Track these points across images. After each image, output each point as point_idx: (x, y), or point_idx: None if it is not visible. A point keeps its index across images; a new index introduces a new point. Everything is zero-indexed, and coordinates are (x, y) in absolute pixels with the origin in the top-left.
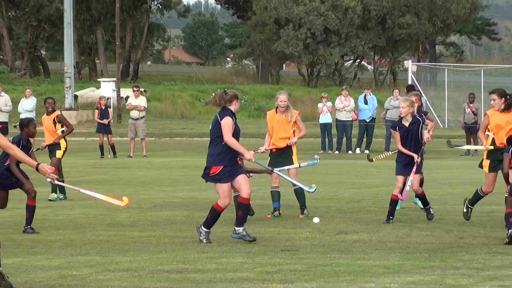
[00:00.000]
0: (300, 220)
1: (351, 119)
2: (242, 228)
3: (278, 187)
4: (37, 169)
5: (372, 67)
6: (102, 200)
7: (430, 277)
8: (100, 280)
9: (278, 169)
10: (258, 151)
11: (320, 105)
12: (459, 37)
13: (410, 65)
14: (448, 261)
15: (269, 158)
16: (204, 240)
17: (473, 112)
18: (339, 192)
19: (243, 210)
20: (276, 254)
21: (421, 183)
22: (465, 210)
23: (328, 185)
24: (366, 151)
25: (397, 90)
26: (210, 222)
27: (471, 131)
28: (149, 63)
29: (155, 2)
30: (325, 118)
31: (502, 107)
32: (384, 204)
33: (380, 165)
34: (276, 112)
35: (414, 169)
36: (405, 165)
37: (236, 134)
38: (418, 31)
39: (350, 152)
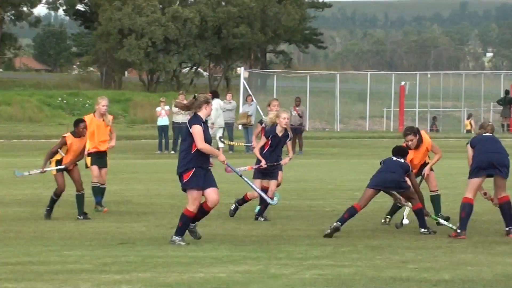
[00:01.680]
0: (137, 215)
1: (187, 121)
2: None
3: (98, 182)
4: None
5: (208, 74)
6: None
7: (256, 267)
8: None
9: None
10: None
11: (158, 108)
12: (288, 45)
13: (242, 71)
14: (273, 252)
15: (89, 158)
16: (183, 244)
17: (299, 114)
18: (173, 190)
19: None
20: (114, 247)
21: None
22: (382, 220)
23: (164, 183)
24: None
25: (230, 95)
26: (182, 230)
27: (297, 132)
28: (0, 70)
29: (8, 14)
30: (163, 120)
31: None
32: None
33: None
34: (95, 116)
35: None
36: (264, 171)
37: (207, 140)
38: (251, 40)
39: None
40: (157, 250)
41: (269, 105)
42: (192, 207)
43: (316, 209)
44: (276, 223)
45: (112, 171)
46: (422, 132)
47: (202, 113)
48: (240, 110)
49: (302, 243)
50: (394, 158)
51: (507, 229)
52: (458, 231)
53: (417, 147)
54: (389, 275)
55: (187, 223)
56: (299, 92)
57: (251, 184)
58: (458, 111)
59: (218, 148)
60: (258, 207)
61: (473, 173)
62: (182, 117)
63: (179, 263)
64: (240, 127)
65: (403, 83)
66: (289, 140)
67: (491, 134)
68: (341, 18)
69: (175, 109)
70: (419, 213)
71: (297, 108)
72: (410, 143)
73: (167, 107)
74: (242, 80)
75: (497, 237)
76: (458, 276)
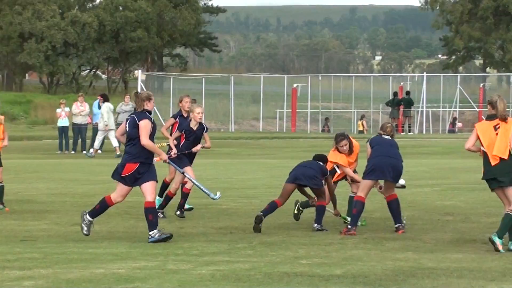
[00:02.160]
0: (38, 213)
1: (86, 122)
2: (156, 231)
3: None
4: None
5: (106, 76)
6: None
7: (154, 263)
8: None
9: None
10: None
11: (58, 110)
12: (184, 49)
13: (139, 74)
14: (170, 249)
15: None
16: (85, 229)
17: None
18: (74, 188)
19: (153, 213)
20: (16, 244)
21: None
22: (295, 211)
23: (65, 181)
24: None
25: (128, 96)
26: (97, 212)
27: None
28: None
29: None
30: (63, 121)
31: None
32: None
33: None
34: None
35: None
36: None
37: (152, 134)
38: (148, 44)
39: (84, 152)
40: (59, 247)
41: (180, 101)
42: (116, 199)
43: (212, 207)
44: (173, 220)
45: (13, 171)
46: (350, 138)
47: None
48: None
49: (198, 240)
50: (315, 161)
51: (396, 226)
52: (349, 227)
53: (350, 151)
54: (283, 271)
55: (155, 214)
56: (195, 94)
57: (193, 180)
58: (349, 112)
59: (115, 148)
60: (159, 199)
61: (367, 174)
62: (82, 119)
63: (80, 259)
64: None
65: (295, 85)
66: (206, 132)
67: (389, 137)
68: (235, 23)
69: (75, 111)
70: (320, 210)
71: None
72: (344, 147)
73: (67, 109)
74: (139, 82)
75: (386, 233)
76: (349, 271)
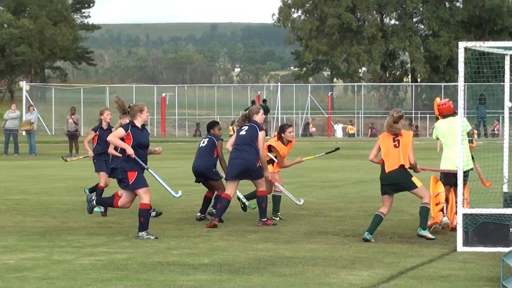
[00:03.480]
0: None
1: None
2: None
3: None
4: None
5: None
6: None
7: (40, 254)
8: None
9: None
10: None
11: None
12: (64, 62)
13: (24, 85)
14: (55, 241)
15: None
16: (152, 237)
17: (74, 122)
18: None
19: (145, 216)
20: None
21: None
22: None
23: None
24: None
25: (14, 105)
26: (145, 224)
27: (73, 137)
28: None
29: None
30: None
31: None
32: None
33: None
34: None
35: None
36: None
37: (143, 143)
38: (31, 58)
39: None
40: None
41: (102, 114)
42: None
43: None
44: (57, 216)
45: None
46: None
47: (137, 121)
48: (24, 118)
49: (81, 233)
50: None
51: (260, 219)
52: (214, 217)
53: (289, 142)
54: (157, 260)
55: (147, 216)
56: (74, 103)
57: (157, 177)
58: (212, 118)
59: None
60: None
61: (228, 174)
62: (13, 122)
63: None
64: (24, 133)
65: (163, 94)
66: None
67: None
68: (108, 39)
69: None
70: (221, 202)
71: (72, 116)
72: (292, 134)
73: None
74: (24, 92)
75: (249, 226)
76: (216, 261)
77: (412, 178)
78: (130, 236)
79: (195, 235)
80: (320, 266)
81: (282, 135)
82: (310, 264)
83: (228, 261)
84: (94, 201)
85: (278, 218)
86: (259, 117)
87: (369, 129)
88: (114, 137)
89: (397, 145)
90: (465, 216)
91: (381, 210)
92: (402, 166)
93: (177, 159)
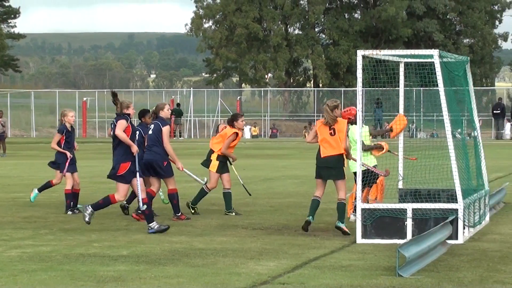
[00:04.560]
0: None
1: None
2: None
3: None
4: None
5: None
6: None
7: None
8: None
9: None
10: None
11: None
12: None
13: None
14: None
15: None
16: (87, 218)
17: (2, 124)
18: None
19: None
20: None
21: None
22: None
23: None
24: None
25: None
26: (99, 207)
27: (1, 138)
28: None
29: None
30: None
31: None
32: None
33: None
34: None
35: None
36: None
37: (133, 134)
38: None
39: None
40: None
41: (65, 116)
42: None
43: (19, 200)
44: None
45: None
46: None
47: (130, 111)
48: None
49: (8, 227)
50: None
51: (174, 214)
52: (140, 211)
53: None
54: (79, 252)
55: (105, 206)
56: (2, 106)
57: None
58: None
59: None
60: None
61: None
62: None
63: None
64: None
65: (85, 98)
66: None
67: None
68: (33, 47)
69: None
70: (171, 197)
71: (0, 119)
72: (243, 122)
73: None
74: None
75: (164, 221)
76: (134, 252)
77: (344, 168)
78: (54, 229)
79: (115, 229)
80: (230, 257)
81: (235, 123)
82: (221, 255)
83: (145, 253)
84: (90, 207)
85: (193, 212)
86: (164, 113)
87: (271, 129)
88: (123, 134)
89: (333, 133)
90: (363, 210)
91: (316, 194)
92: (337, 154)
93: (97, 159)
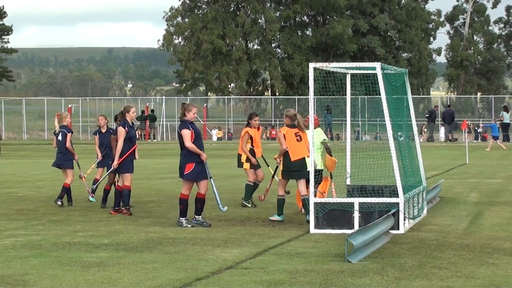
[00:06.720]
0: None
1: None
2: (201, 216)
3: None
4: None
5: None
6: None
7: None
8: None
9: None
10: None
11: None
12: None
13: None
14: None
15: None
16: (189, 225)
17: None
18: None
19: (201, 203)
20: None
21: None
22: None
23: None
24: None
25: None
26: (183, 212)
27: None
28: None
29: None
30: None
31: None
32: None
33: None
34: None
35: None
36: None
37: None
38: None
39: None
40: None
41: (66, 118)
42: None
43: (12, 195)
44: None
45: None
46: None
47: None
48: None
49: (2, 219)
50: None
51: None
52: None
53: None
54: (66, 241)
55: (184, 204)
56: None
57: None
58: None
59: None
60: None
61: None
62: None
63: None
64: None
65: (70, 105)
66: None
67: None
68: (24, 60)
69: None
70: (124, 193)
71: None
72: (257, 122)
73: None
74: None
75: (140, 213)
76: (114, 241)
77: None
78: (43, 221)
79: (97, 220)
80: (199, 245)
81: (250, 122)
82: (190, 243)
83: (124, 241)
84: (182, 219)
85: (251, 205)
86: (129, 116)
87: (228, 133)
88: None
89: (299, 139)
90: (316, 204)
91: (280, 193)
92: (304, 157)
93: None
